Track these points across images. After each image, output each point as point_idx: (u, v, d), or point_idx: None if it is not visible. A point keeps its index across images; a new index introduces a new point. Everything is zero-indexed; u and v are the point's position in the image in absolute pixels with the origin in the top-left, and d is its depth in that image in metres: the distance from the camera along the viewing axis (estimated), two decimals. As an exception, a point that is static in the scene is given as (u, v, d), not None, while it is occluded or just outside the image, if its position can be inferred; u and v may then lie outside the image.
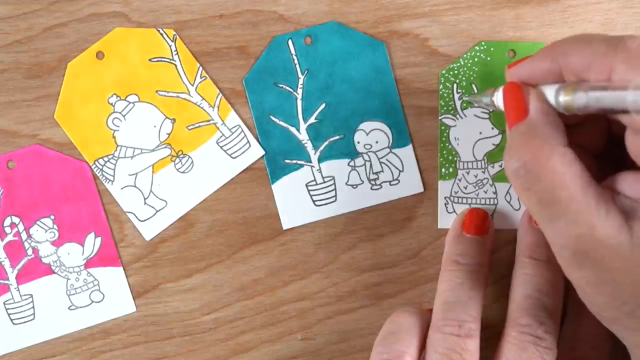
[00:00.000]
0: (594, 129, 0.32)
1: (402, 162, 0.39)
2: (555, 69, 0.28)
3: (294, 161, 0.39)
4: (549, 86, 0.29)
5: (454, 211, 0.39)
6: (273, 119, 0.39)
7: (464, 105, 0.39)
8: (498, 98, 0.32)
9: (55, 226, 0.39)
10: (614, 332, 0.29)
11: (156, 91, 0.39)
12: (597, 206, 0.26)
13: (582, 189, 0.26)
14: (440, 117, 0.39)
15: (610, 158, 0.31)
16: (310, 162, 0.39)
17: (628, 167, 0.28)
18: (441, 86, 0.38)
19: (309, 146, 0.39)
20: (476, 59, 0.38)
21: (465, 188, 0.39)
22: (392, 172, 0.39)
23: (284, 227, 0.39)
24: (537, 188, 0.27)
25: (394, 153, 0.39)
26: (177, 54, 0.39)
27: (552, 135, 0.27)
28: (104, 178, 0.39)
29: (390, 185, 0.39)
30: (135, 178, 0.39)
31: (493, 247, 0.38)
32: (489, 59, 0.38)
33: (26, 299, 0.39)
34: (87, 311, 0.39)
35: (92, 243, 0.39)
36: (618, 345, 0.38)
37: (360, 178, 0.39)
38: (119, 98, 0.39)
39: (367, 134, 0.39)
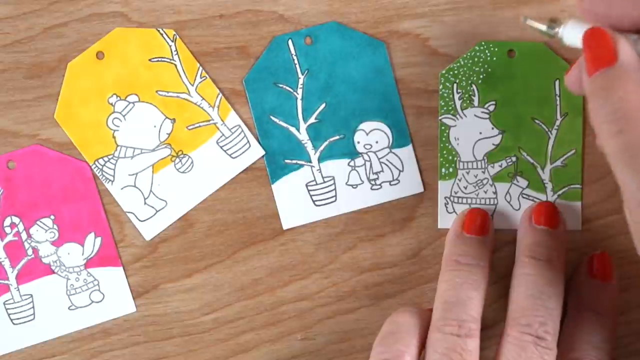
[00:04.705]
0: None
1: (402, 162, 0.39)
2: (636, 15, 0.28)
3: (294, 161, 0.39)
4: (628, 35, 0.28)
5: (454, 211, 0.39)
6: (273, 119, 0.39)
7: (464, 105, 0.39)
8: (566, 33, 0.31)
9: (55, 226, 0.39)
10: None
11: (156, 91, 0.39)
12: None
13: None
14: (440, 117, 0.39)
15: None
16: (310, 162, 0.39)
17: None
18: (441, 86, 0.38)
19: (309, 146, 0.39)
20: (476, 59, 0.38)
21: (465, 188, 0.39)
22: (392, 172, 0.39)
23: (284, 227, 0.39)
24: (628, 134, 0.26)
25: (394, 153, 0.39)
26: (177, 54, 0.39)
27: None
28: (104, 178, 0.39)
29: (390, 185, 0.39)
30: (135, 178, 0.39)
31: (493, 247, 0.38)
32: (489, 59, 0.38)
33: (26, 299, 0.39)
34: (87, 311, 0.39)
35: (92, 243, 0.39)
36: (618, 345, 0.39)
37: (360, 178, 0.39)
38: (119, 98, 0.39)
39: (367, 134, 0.39)
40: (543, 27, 0.33)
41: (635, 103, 0.26)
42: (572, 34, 0.31)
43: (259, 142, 0.39)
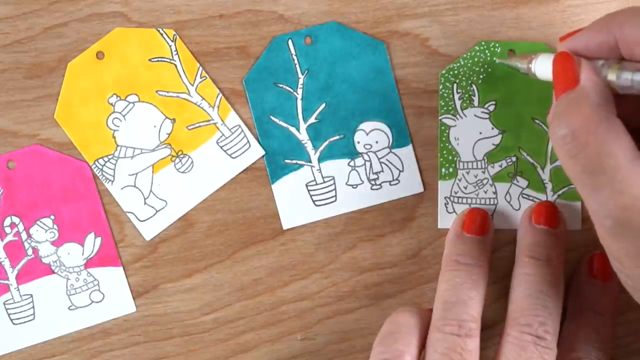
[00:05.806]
0: (635, 103, 0.31)
1: (402, 162, 0.39)
2: (611, 41, 0.28)
3: (294, 161, 0.39)
4: (594, 61, 0.29)
5: (454, 211, 0.39)
6: (273, 119, 0.39)
7: (464, 105, 0.39)
8: (536, 65, 0.32)
9: (55, 226, 0.39)
10: None
11: (156, 91, 0.39)
12: None
13: (629, 159, 0.26)
14: (440, 117, 0.39)
15: None
16: (310, 162, 0.39)
17: None
18: (441, 86, 0.38)
19: (309, 146, 0.39)
20: (476, 59, 0.38)
21: (465, 188, 0.39)
22: (392, 172, 0.39)
23: (284, 227, 0.39)
24: (583, 155, 0.27)
25: (394, 153, 0.39)
26: (177, 54, 0.39)
27: (602, 104, 0.27)
28: (104, 178, 0.39)
29: (390, 185, 0.39)
30: (135, 178, 0.39)
31: (493, 247, 0.38)
32: (488, 59, 0.38)
33: (26, 299, 0.39)
34: (87, 311, 0.39)
35: (92, 243, 0.39)
36: (618, 345, 0.39)
37: (360, 178, 0.39)
38: (119, 98, 0.39)
39: (367, 134, 0.39)
40: (517, 65, 0.34)
41: (590, 127, 0.27)
42: (543, 68, 0.31)
43: (259, 142, 0.39)
